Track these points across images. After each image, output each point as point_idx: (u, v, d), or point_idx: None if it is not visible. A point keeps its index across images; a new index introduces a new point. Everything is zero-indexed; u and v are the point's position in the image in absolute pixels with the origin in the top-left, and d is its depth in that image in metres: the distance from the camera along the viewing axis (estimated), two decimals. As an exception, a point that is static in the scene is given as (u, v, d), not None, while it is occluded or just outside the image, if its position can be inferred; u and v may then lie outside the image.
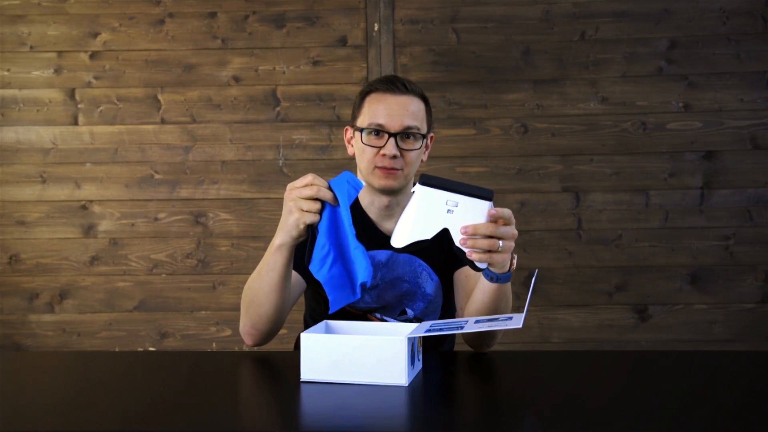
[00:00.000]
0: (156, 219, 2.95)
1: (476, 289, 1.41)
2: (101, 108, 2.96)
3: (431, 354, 1.40)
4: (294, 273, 1.51)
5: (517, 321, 1.19)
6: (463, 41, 2.91)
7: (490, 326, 1.20)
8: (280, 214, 1.35)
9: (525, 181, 2.89)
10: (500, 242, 1.23)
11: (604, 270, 2.88)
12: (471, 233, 1.22)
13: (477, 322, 1.27)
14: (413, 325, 1.30)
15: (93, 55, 2.96)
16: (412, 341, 1.20)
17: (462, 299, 1.60)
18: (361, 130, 1.59)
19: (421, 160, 1.64)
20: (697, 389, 1.20)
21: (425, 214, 1.22)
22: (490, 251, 1.23)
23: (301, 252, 1.37)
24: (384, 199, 1.62)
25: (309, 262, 1.28)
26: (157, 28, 2.95)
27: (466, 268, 1.59)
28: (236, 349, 2.90)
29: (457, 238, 1.23)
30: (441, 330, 1.24)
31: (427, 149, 1.66)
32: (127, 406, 1.12)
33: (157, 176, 2.95)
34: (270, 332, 1.46)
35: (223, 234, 2.94)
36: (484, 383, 1.29)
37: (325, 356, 1.18)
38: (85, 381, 1.32)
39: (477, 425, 1.04)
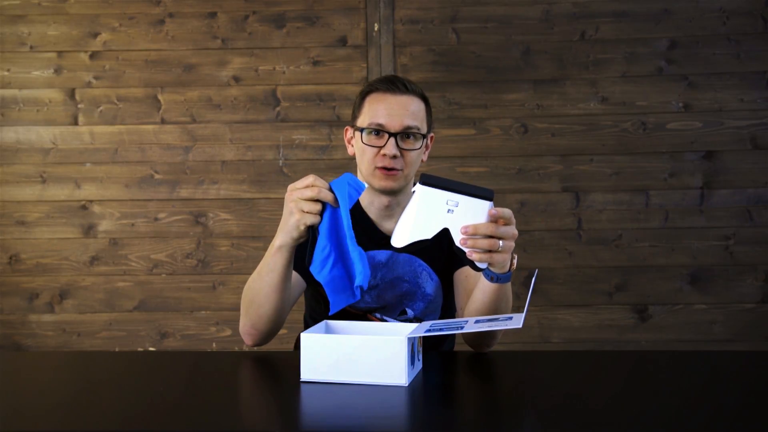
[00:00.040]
0: (156, 219, 2.95)
1: (476, 289, 1.41)
2: (101, 108, 2.96)
3: (431, 354, 1.40)
4: (294, 273, 1.51)
5: (517, 321, 1.19)
6: (463, 41, 2.91)
7: (490, 326, 1.20)
8: (280, 215, 1.35)
9: (525, 181, 2.89)
10: (500, 242, 1.23)
11: (604, 270, 2.88)
12: (471, 233, 1.22)
13: (477, 322, 1.27)
14: (413, 325, 1.30)
15: (93, 55, 2.96)
16: (412, 341, 1.20)
17: (462, 299, 1.60)
18: (362, 130, 1.59)
19: (422, 160, 1.64)
20: (697, 389, 1.20)
21: (425, 214, 1.22)
22: (490, 251, 1.23)
23: (301, 252, 1.37)
24: (384, 199, 1.62)
25: (310, 263, 1.28)
26: (157, 28, 2.95)
27: (466, 268, 1.59)
28: (236, 349, 2.90)
29: (458, 238, 1.23)
30: (441, 330, 1.24)
31: (427, 149, 1.66)
32: (127, 406, 1.12)
33: (157, 176, 2.95)
34: (270, 332, 1.46)
35: (223, 234, 2.94)
36: (484, 383, 1.29)
37: (325, 356, 1.18)
38: (85, 381, 1.32)
39: (477, 425, 1.03)
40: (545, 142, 2.89)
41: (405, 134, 1.57)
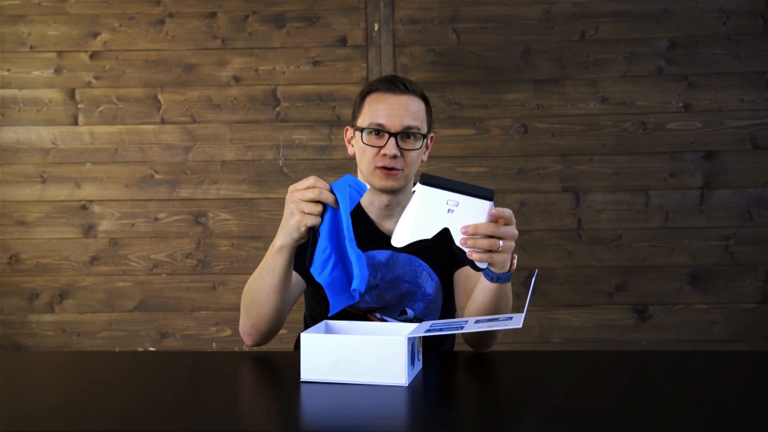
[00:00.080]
0: (156, 219, 2.95)
1: (476, 289, 1.41)
2: (101, 108, 2.96)
3: (431, 354, 1.40)
4: (294, 273, 1.51)
5: (517, 321, 1.19)
6: (463, 41, 2.91)
7: (490, 326, 1.20)
8: (280, 215, 1.35)
9: (525, 181, 2.89)
10: (501, 242, 1.23)
11: (604, 270, 2.88)
12: (471, 233, 1.22)
13: (477, 322, 1.27)
14: (413, 325, 1.30)
15: (93, 55, 2.96)
16: (412, 341, 1.20)
17: (462, 299, 1.60)
18: (362, 129, 1.59)
19: (422, 160, 1.64)
20: (697, 389, 1.20)
21: (426, 214, 1.22)
22: (490, 251, 1.23)
23: (301, 253, 1.37)
24: (384, 198, 1.62)
25: (310, 264, 1.28)
26: (157, 28, 2.95)
27: (466, 268, 1.59)
28: (236, 349, 2.90)
29: (458, 238, 1.23)
30: (441, 330, 1.24)
31: (427, 149, 1.66)
32: (127, 406, 1.12)
33: (157, 176, 2.95)
34: (270, 332, 1.46)
35: (223, 234, 2.94)
36: (484, 383, 1.29)
37: (325, 356, 1.18)
38: (85, 381, 1.32)
39: (477, 425, 1.03)
40: (545, 142, 2.89)
41: (405, 134, 1.57)
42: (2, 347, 2.93)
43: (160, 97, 2.95)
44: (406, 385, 1.16)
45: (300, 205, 1.27)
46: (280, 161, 2.93)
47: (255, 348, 1.50)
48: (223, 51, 2.95)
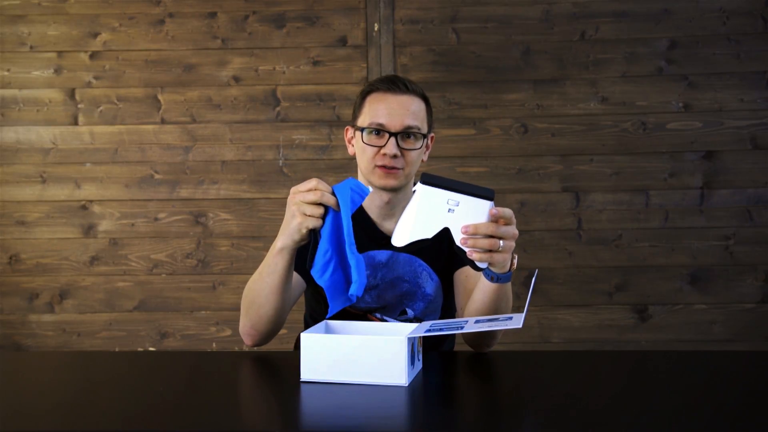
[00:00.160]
0: (156, 219, 2.95)
1: (476, 289, 1.41)
2: (101, 108, 2.96)
3: (431, 354, 1.40)
4: (294, 274, 1.51)
5: (517, 321, 1.19)
6: (463, 41, 2.91)
7: (490, 326, 1.20)
8: (281, 215, 1.35)
9: (525, 181, 2.89)
10: (501, 242, 1.23)
11: (604, 270, 2.88)
12: (472, 233, 1.22)
13: (477, 322, 1.27)
14: (413, 325, 1.30)
15: (93, 55, 2.96)
16: (412, 341, 1.20)
17: (462, 299, 1.60)
18: (362, 129, 1.59)
19: (422, 160, 1.64)
20: (697, 389, 1.20)
21: (426, 213, 1.22)
22: (490, 251, 1.23)
23: (302, 253, 1.37)
24: (384, 197, 1.62)
25: (311, 266, 1.28)
26: (157, 28, 2.95)
27: (467, 268, 1.59)
28: (236, 349, 2.90)
29: (458, 238, 1.23)
30: (441, 330, 1.24)
31: (427, 149, 1.66)
32: (127, 406, 1.12)
33: (157, 176, 2.95)
34: (270, 333, 1.46)
35: (223, 234, 2.94)
36: (484, 383, 1.29)
37: (325, 356, 1.18)
38: (85, 381, 1.32)
39: (477, 425, 1.03)
40: (545, 142, 2.89)
41: (405, 134, 1.57)
42: (2, 347, 2.93)
43: (160, 97, 2.95)
44: (406, 385, 1.16)
45: (301, 207, 1.27)
46: (280, 161, 2.93)
47: (255, 348, 1.50)
48: (223, 51, 2.95)
